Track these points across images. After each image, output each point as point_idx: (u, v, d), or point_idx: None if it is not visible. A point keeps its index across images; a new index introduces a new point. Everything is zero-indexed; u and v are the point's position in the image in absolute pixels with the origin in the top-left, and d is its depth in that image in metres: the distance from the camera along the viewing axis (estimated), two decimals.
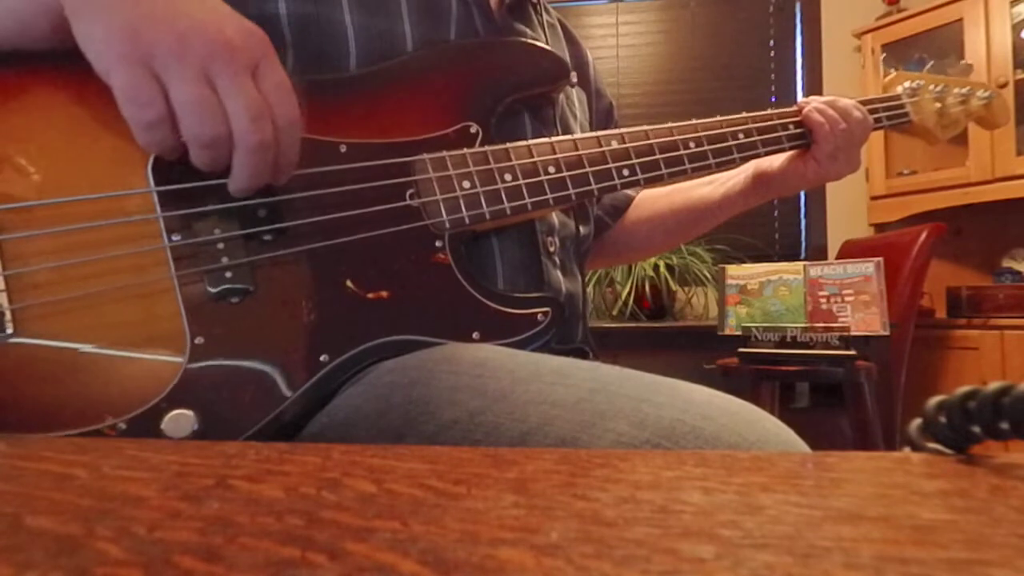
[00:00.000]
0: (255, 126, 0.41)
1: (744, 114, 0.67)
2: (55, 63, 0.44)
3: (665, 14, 2.73)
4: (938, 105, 0.80)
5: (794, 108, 0.71)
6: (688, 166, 0.62)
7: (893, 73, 0.80)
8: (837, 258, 2.07)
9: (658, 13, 2.74)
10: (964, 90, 0.81)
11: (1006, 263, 2.36)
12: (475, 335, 0.50)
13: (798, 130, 0.70)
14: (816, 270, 1.69)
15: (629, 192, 0.86)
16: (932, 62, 0.84)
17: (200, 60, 0.39)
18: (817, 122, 0.69)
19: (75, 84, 0.45)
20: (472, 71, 0.56)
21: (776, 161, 0.74)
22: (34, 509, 0.17)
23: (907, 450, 0.23)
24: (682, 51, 2.72)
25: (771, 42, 2.67)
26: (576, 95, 0.72)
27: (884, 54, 2.34)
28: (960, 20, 2.20)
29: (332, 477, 0.20)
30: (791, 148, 0.70)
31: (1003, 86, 2.11)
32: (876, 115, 0.74)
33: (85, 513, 0.17)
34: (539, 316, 0.52)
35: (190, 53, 0.39)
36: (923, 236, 1.77)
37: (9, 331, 0.40)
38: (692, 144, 0.62)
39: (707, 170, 0.64)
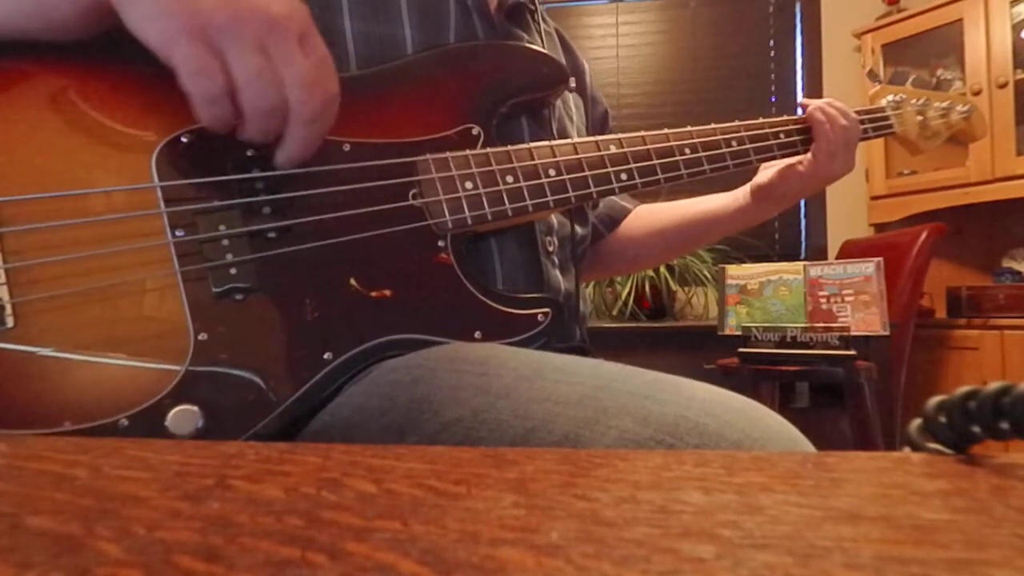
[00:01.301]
0: (310, 95, 0.42)
1: (737, 122, 0.69)
2: (60, 55, 0.44)
3: (665, 14, 2.73)
4: (920, 118, 0.84)
5: (786, 117, 0.73)
6: (684, 172, 0.63)
7: (878, 86, 0.84)
8: (837, 258, 2.07)
9: (658, 13, 2.74)
10: (944, 104, 0.86)
11: (1006, 263, 2.36)
12: (477, 334, 0.51)
13: (790, 139, 0.71)
14: (816, 270, 1.69)
15: (626, 204, 0.88)
16: (914, 75, 0.86)
17: (256, 32, 0.40)
18: (819, 119, 0.71)
19: (79, 77, 0.45)
20: (474, 74, 0.57)
21: (772, 171, 0.76)
22: (34, 509, 0.17)
23: (907, 450, 0.23)
24: (682, 51, 2.72)
25: (771, 42, 2.67)
26: (573, 101, 0.73)
27: (883, 54, 2.34)
28: (960, 20, 2.20)
29: (332, 477, 0.20)
30: (782, 156, 0.71)
31: (1003, 86, 2.11)
32: (862, 126, 0.77)
33: (85, 513, 0.17)
34: (539, 316, 0.53)
35: (246, 26, 0.40)
36: (923, 236, 1.78)
37: (10, 324, 0.40)
38: (688, 150, 0.63)
39: (701, 175, 0.65)
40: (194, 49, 0.40)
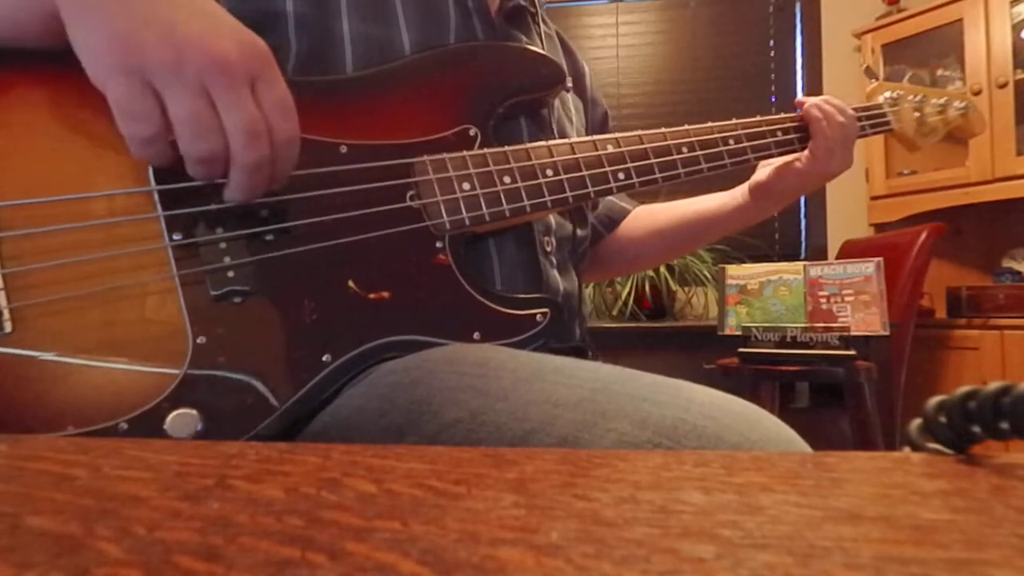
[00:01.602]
0: (252, 144, 0.40)
1: (735, 120, 0.68)
2: (55, 61, 0.44)
3: (665, 14, 2.73)
4: (917, 114, 0.84)
5: (783, 115, 0.73)
6: (681, 170, 0.63)
7: (875, 83, 0.84)
8: (837, 258, 2.07)
9: (658, 13, 2.74)
10: (942, 101, 0.85)
11: (1006, 263, 2.36)
12: (476, 335, 0.51)
13: (787, 136, 0.71)
14: (816, 270, 1.69)
15: (625, 205, 0.88)
16: (911, 73, 0.86)
17: (197, 74, 0.38)
18: (816, 117, 0.71)
19: (75, 82, 0.45)
20: (471, 74, 0.56)
21: (770, 169, 0.76)
22: (34, 509, 0.17)
23: (907, 450, 0.23)
24: (682, 51, 2.72)
25: (771, 42, 2.67)
26: (572, 102, 0.73)
27: (883, 54, 2.34)
28: (960, 20, 2.20)
29: (332, 477, 0.20)
30: (780, 153, 0.71)
31: (1003, 86, 2.11)
32: (860, 123, 0.77)
33: (85, 513, 0.17)
34: (538, 316, 0.53)
35: (187, 67, 0.38)
36: (923, 236, 1.77)
37: (8, 330, 0.40)
38: (685, 149, 0.63)
39: (699, 174, 0.65)
40: (129, 89, 0.38)
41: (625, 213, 0.87)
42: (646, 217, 0.86)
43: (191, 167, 0.41)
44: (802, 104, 0.73)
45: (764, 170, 0.77)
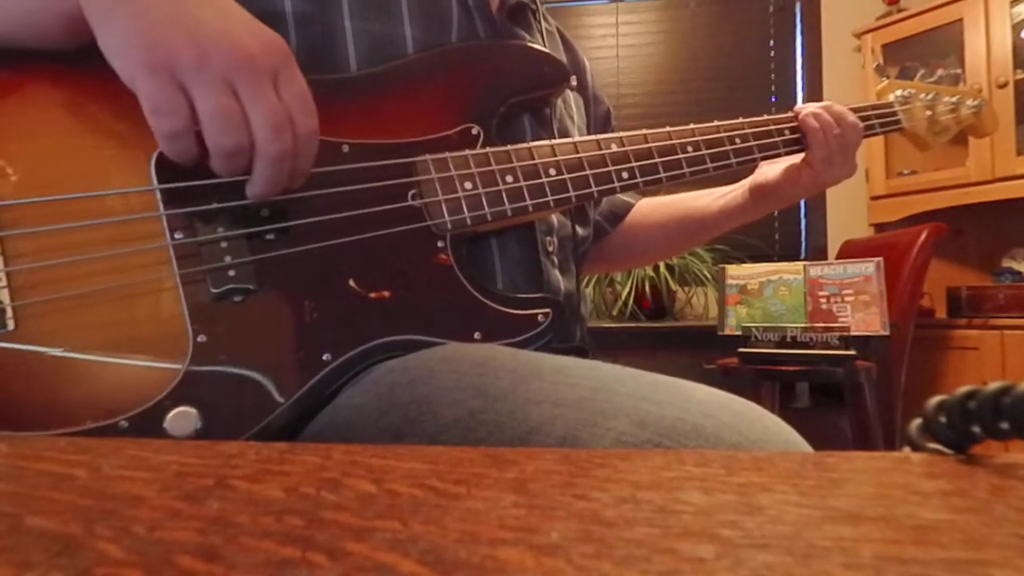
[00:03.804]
0: (277, 136, 0.41)
1: (741, 119, 0.68)
2: (59, 61, 0.44)
3: (665, 14, 2.73)
4: (929, 113, 0.82)
5: (790, 114, 0.71)
6: (686, 170, 0.62)
7: (886, 81, 0.82)
8: (837, 258, 2.07)
9: (658, 13, 2.74)
10: (954, 99, 0.84)
11: (1006, 263, 2.36)
12: (476, 335, 0.51)
13: (794, 135, 0.70)
14: (816, 270, 1.69)
15: (629, 199, 0.87)
16: (923, 70, 0.85)
17: (222, 70, 0.39)
18: (812, 127, 0.70)
19: (79, 82, 0.45)
20: (474, 73, 0.56)
21: (772, 172, 0.75)
22: (34, 509, 0.17)
23: (907, 450, 0.23)
24: (682, 51, 2.72)
25: (771, 42, 2.67)
26: (574, 99, 0.72)
27: (884, 54, 2.34)
28: (960, 20, 2.20)
29: (332, 477, 0.20)
30: (787, 153, 0.70)
31: (1003, 86, 2.11)
32: (869, 122, 0.76)
33: (85, 513, 0.17)
34: (540, 317, 0.53)
35: (213, 63, 0.39)
36: (923, 236, 1.77)
37: (10, 327, 0.40)
38: (690, 148, 0.63)
39: (704, 174, 0.64)
40: (157, 86, 0.39)
41: (629, 207, 0.87)
42: (649, 211, 0.86)
43: (217, 161, 0.42)
44: (799, 113, 0.71)
45: (765, 171, 0.76)
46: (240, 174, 0.43)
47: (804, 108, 0.71)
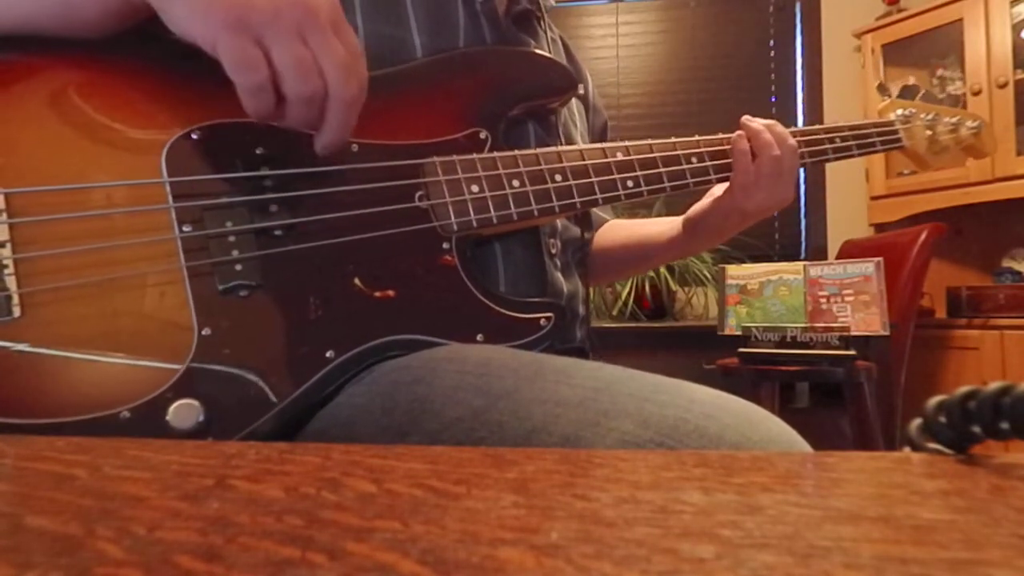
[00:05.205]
0: (348, 78, 0.43)
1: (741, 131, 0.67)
2: (74, 51, 0.45)
3: (665, 14, 2.73)
4: (929, 132, 0.83)
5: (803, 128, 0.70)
6: (690, 180, 0.63)
7: (887, 100, 0.83)
8: (837, 258, 2.07)
9: (658, 13, 2.73)
10: (954, 119, 0.85)
11: (1006, 263, 2.36)
12: (479, 337, 0.51)
13: (726, 159, 0.66)
14: (816, 270, 1.69)
15: (604, 215, 0.85)
16: (924, 91, 0.86)
17: (294, 22, 0.41)
18: (739, 151, 0.64)
19: (93, 72, 0.45)
20: (483, 79, 0.57)
21: (702, 203, 0.71)
22: (34, 509, 0.17)
23: (907, 450, 0.23)
24: (682, 51, 2.72)
25: (771, 42, 2.67)
26: (576, 106, 0.73)
27: (883, 54, 2.34)
28: (960, 20, 2.20)
29: (332, 477, 0.20)
30: (800, 164, 0.68)
31: (1003, 86, 2.11)
32: (871, 139, 0.76)
33: (85, 513, 0.17)
34: (542, 321, 0.53)
35: (285, 17, 0.41)
36: (923, 236, 1.77)
37: (16, 314, 0.40)
38: (694, 159, 0.63)
39: (709, 185, 0.65)
40: (237, 42, 0.40)
41: (603, 222, 0.84)
42: (610, 233, 0.83)
43: (295, 109, 0.43)
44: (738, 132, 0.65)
45: (699, 202, 0.71)
46: (312, 126, 0.44)
47: (745, 126, 0.65)
